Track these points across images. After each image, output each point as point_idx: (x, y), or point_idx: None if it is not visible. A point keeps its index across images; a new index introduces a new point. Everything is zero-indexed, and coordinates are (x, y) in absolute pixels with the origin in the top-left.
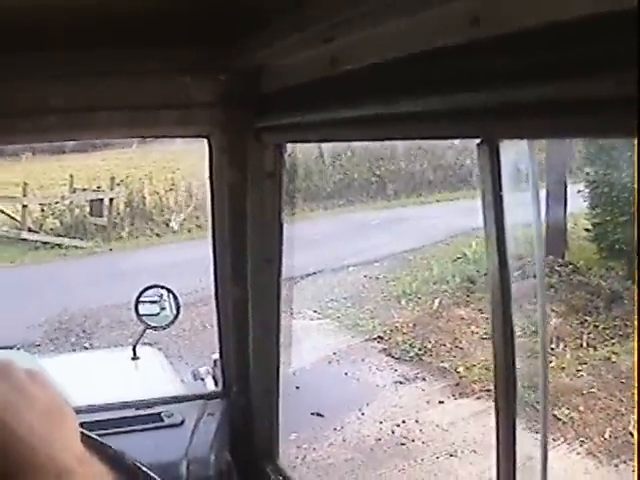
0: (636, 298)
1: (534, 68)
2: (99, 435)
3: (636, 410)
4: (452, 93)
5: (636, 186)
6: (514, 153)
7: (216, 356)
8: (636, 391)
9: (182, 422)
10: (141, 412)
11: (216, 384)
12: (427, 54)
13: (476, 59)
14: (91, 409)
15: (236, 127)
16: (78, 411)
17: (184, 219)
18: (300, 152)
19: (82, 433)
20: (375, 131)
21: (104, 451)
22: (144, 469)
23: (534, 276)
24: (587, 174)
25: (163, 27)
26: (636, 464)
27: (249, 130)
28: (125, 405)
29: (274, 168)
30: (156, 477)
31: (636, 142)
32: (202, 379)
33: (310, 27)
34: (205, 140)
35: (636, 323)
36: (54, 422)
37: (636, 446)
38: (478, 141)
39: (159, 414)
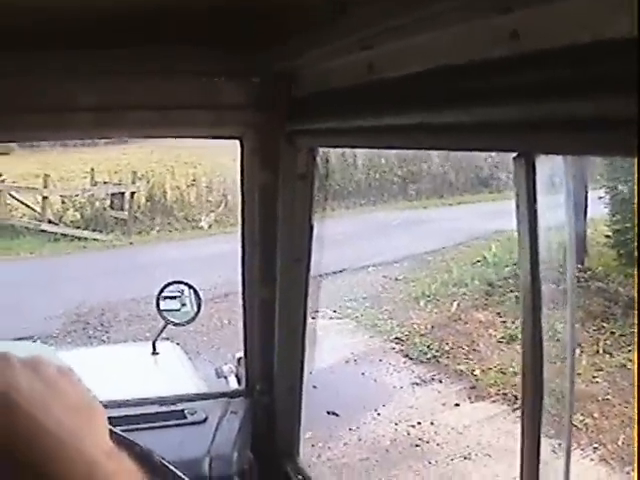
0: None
1: (573, 83)
2: (123, 431)
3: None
4: (489, 106)
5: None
6: (549, 168)
7: (240, 354)
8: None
9: (205, 419)
10: (164, 409)
11: (239, 382)
12: (465, 66)
13: (515, 73)
14: (114, 404)
15: (268, 129)
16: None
17: (214, 218)
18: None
19: (111, 430)
20: (409, 140)
21: (132, 448)
22: (171, 467)
23: (553, 283)
24: (608, 180)
25: (199, 28)
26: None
27: (281, 133)
28: (148, 401)
29: (306, 170)
30: (183, 476)
31: None
32: (225, 377)
33: (349, 34)
34: (237, 141)
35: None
36: (83, 417)
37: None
38: (514, 155)
39: (182, 411)
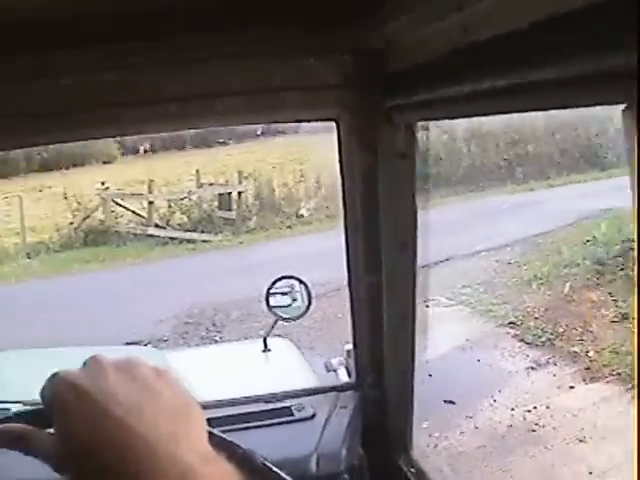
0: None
1: None
2: (228, 430)
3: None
4: (594, 56)
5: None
6: None
7: (349, 347)
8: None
9: (313, 415)
10: (271, 406)
11: (349, 375)
12: (564, 17)
13: (618, 17)
14: (220, 404)
15: (364, 108)
16: (206, 407)
17: (314, 208)
18: (430, 138)
19: (210, 432)
20: (511, 103)
21: (232, 450)
22: (274, 469)
23: None
24: None
25: (285, 9)
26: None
27: (378, 111)
28: (255, 399)
29: (406, 149)
30: (286, 477)
31: None
32: (334, 370)
33: None
34: (333, 123)
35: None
36: (179, 420)
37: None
38: (622, 107)
39: (289, 408)
